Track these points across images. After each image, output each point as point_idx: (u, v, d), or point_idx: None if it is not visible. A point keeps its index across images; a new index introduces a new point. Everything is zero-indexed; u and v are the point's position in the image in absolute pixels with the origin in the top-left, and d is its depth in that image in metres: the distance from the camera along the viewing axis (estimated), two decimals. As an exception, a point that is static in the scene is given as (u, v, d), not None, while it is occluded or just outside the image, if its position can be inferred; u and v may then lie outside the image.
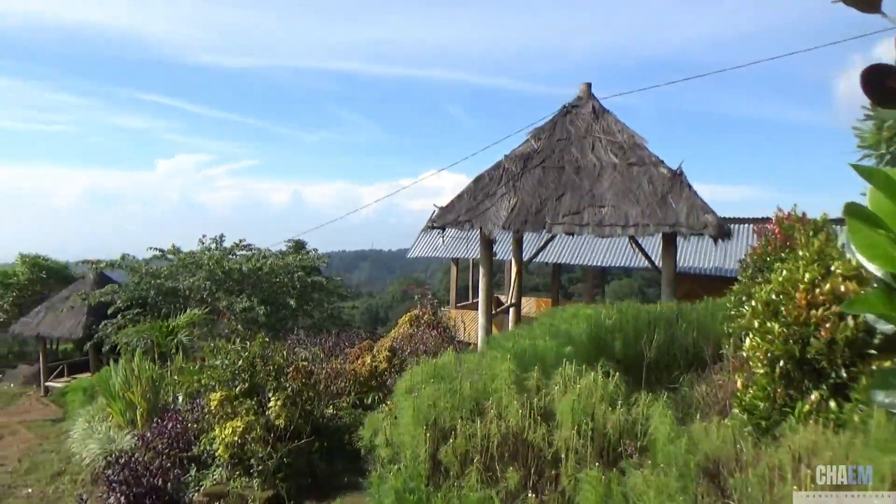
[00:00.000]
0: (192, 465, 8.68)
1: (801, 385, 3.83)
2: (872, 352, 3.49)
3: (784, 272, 4.01)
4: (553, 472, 3.33)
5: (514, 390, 3.72)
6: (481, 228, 11.25)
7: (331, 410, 9.25)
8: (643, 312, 7.70)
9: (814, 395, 3.70)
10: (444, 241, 19.21)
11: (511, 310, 14.61)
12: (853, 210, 1.40)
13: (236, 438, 7.77)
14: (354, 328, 21.48)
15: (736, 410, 3.98)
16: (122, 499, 8.01)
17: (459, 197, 11.74)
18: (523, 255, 15.70)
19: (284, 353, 9.16)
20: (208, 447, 8.47)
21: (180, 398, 11.13)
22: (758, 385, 3.88)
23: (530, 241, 17.63)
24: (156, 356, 13.51)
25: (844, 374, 3.60)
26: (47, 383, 23.23)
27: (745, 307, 4.29)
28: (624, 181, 11.01)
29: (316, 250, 25.53)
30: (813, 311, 3.72)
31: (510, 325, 14.74)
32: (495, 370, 4.00)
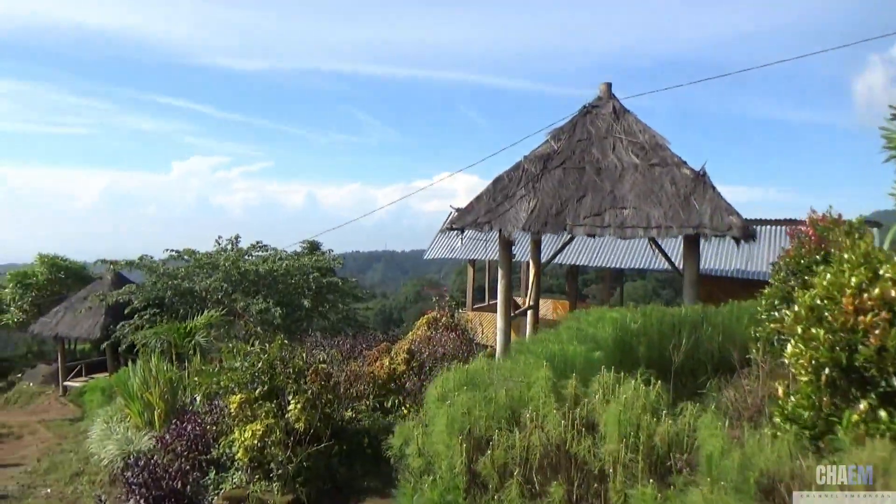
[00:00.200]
0: (211, 468, 8.61)
1: (847, 394, 3.68)
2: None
3: (828, 276, 3.86)
4: (598, 486, 3.19)
5: (552, 399, 3.59)
6: (501, 230, 11.14)
7: (349, 413, 9.15)
8: (668, 316, 7.55)
9: (862, 405, 3.54)
10: (462, 243, 19.11)
11: (529, 312, 14.46)
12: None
13: (256, 441, 7.69)
14: (370, 330, 21.42)
15: (777, 419, 3.82)
16: (142, 501, 7.98)
17: (478, 198, 11.63)
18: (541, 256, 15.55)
19: (304, 355, 9.09)
20: (227, 450, 8.40)
21: (198, 399, 11.11)
22: (801, 393, 3.73)
23: (546, 243, 17.47)
24: (173, 357, 13.52)
25: (895, 383, 3.45)
26: (65, 383, 23.45)
27: (787, 311, 4.13)
28: (646, 182, 10.84)
29: (331, 251, 25.54)
30: (861, 317, 3.57)
31: (528, 327, 14.60)
32: (531, 377, 3.87)
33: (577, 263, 19.84)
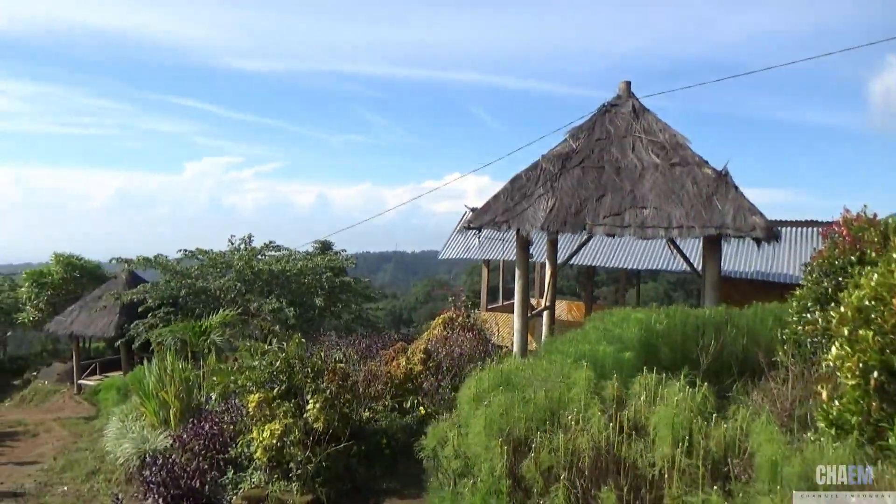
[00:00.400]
0: (229, 467, 8.56)
1: (897, 398, 3.55)
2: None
3: (876, 276, 3.72)
4: (648, 492, 3.08)
5: (596, 401, 3.49)
6: (519, 230, 11.01)
7: (367, 413, 9.08)
8: (691, 317, 7.43)
9: (914, 410, 3.41)
10: (479, 242, 18.97)
11: (545, 313, 14.32)
12: None
13: (275, 441, 7.64)
14: (383, 329, 21.37)
15: (822, 424, 3.70)
16: (160, 500, 7.94)
17: (496, 197, 11.51)
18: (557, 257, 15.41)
19: (322, 354, 9.03)
20: (245, 449, 8.35)
21: (213, 398, 11.08)
22: (848, 397, 3.60)
23: (560, 245, 17.31)
24: (188, 356, 13.51)
25: (950, 388, 3.32)
26: (80, 381, 23.57)
27: (832, 313, 3.99)
28: (666, 182, 10.68)
29: (344, 251, 25.54)
30: (912, 319, 3.44)
31: (543, 328, 14.46)
32: (571, 378, 3.76)
33: (593, 264, 19.65)
